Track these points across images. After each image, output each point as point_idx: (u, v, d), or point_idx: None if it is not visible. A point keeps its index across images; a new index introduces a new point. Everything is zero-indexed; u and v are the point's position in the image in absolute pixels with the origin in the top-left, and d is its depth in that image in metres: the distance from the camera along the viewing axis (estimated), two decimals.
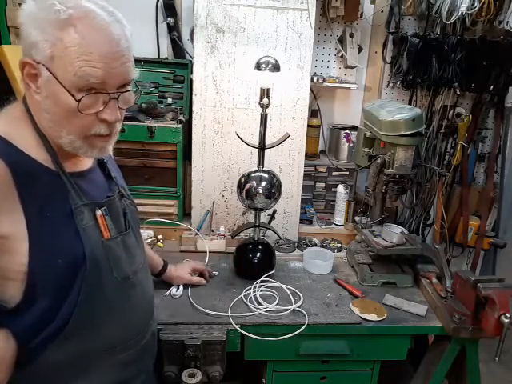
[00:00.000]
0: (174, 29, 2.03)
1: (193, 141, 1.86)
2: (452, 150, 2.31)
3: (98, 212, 0.96)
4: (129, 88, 0.91)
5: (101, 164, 1.08)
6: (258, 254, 1.72)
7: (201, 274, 1.63)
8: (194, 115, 1.82)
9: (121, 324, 1.03)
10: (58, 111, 0.86)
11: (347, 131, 2.16)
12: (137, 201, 1.18)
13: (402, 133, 1.63)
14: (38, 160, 0.88)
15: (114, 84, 0.86)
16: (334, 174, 2.15)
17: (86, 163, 1.01)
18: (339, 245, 2.00)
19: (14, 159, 0.83)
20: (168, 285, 1.57)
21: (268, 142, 1.66)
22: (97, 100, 0.86)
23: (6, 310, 0.88)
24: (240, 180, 1.66)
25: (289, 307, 1.50)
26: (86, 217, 0.93)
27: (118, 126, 0.94)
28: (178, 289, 1.56)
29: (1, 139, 0.84)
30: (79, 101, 0.83)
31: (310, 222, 2.09)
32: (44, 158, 0.89)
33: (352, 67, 2.16)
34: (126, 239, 1.04)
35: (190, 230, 1.94)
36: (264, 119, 1.60)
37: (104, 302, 0.98)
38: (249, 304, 1.51)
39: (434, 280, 1.65)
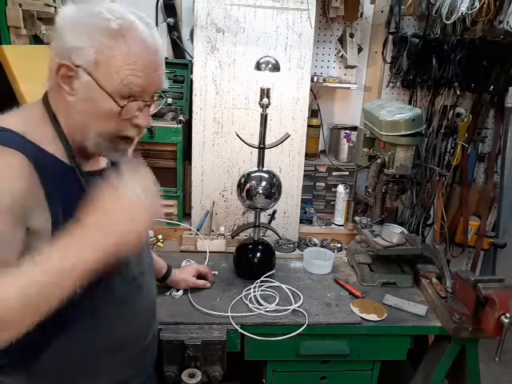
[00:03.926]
0: (173, 29, 2.03)
1: (193, 141, 1.86)
2: (452, 150, 2.30)
3: None
4: (157, 95, 0.96)
5: (114, 164, 1.07)
6: (258, 254, 1.72)
7: (204, 277, 1.62)
8: (193, 115, 1.82)
9: (126, 324, 1.03)
10: (94, 114, 0.88)
11: (347, 131, 2.16)
12: None
13: (402, 133, 1.63)
14: (56, 156, 0.89)
15: (151, 92, 0.92)
16: (334, 173, 2.15)
17: (102, 163, 1.02)
18: (339, 245, 2.00)
19: (36, 155, 0.84)
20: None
21: (268, 142, 1.66)
22: (134, 106, 0.89)
23: None
24: (240, 180, 1.66)
25: (289, 307, 1.50)
26: None
27: (144, 131, 0.97)
28: (178, 289, 1.56)
29: (20, 137, 0.84)
30: (122, 107, 0.87)
31: (310, 222, 2.09)
32: (61, 154, 0.90)
33: (352, 67, 2.16)
34: None
35: (190, 230, 1.94)
36: (264, 119, 1.60)
37: (111, 302, 0.98)
38: (249, 304, 1.51)
39: (434, 280, 1.65)
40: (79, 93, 0.87)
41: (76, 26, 0.85)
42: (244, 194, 1.64)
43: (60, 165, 0.89)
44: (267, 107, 1.58)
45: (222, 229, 1.91)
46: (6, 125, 0.85)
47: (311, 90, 1.97)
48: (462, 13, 1.80)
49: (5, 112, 0.89)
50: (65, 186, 0.89)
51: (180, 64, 1.99)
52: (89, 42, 0.83)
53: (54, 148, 0.89)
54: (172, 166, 1.89)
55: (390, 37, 2.13)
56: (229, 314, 1.45)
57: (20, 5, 1.54)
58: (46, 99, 0.92)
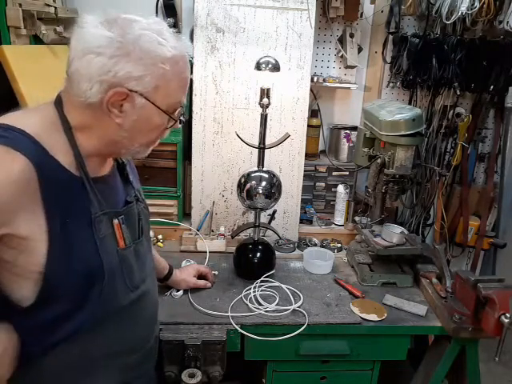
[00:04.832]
0: (173, 29, 2.02)
1: (193, 141, 1.86)
2: (452, 150, 2.30)
3: (115, 221, 0.97)
4: None
5: (119, 166, 1.08)
6: (258, 254, 1.72)
7: (204, 277, 1.62)
8: (193, 115, 1.82)
9: (129, 330, 1.04)
10: (146, 129, 0.93)
11: (347, 131, 2.16)
12: None
13: (402, 133, 1.63)
14: (63, 165, 0.87)
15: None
16: (334, 173, 2.15)
17: (107, 168, 1.01)
18: (339, 245, 2.00)
19: (42, 162, 0.83)
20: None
21: (268, 142, 1.66)
22: (178, 115, 0.98)
23: (19, 308, 0.89)
24: (240, 180, 1.66)
25: (289, 307, 1.50)
26: (104, 226, 0.94)
27: None
28: (178, 289, 1.56)
29: (32, 141, 0.83)
30: (176, 120, 0.96)
31: (310, 222, 2.09)
32: (69, 163, 0.89)
33: (352, 67, 2.16)
34: (138, 247, 1.05)
35: (190, 230, 1.94)
36: (264, 119, 1.60)
37: (116, 311, 0.99)
38: (249, 304, 1.51)
39: (434, 280, 1.65)
40: (129, 114, 0.88)
41: (128, 53, 0.83)
42: (244, 193, 1.64)
43: (66, 175, 0.88)
44: (267, 107, 1.58)
45: (221, 229, 1.91)
46: (20, 124, 0.83)
47: (311, 89, 1.97)
48: (462, 13, 1.80)
49: (4, 113, 0.88)
50: (68, 198, 0.88)
51: None
52: (148, 69, 0.85)
53: (62, 157, 0.87)
54: (172, 165, 1.89)
55: (390, 37, 2.13)
56: (229, 313, 1.45)
57: (20, 5, 1.53)
58: (58, 105, 0.90)
